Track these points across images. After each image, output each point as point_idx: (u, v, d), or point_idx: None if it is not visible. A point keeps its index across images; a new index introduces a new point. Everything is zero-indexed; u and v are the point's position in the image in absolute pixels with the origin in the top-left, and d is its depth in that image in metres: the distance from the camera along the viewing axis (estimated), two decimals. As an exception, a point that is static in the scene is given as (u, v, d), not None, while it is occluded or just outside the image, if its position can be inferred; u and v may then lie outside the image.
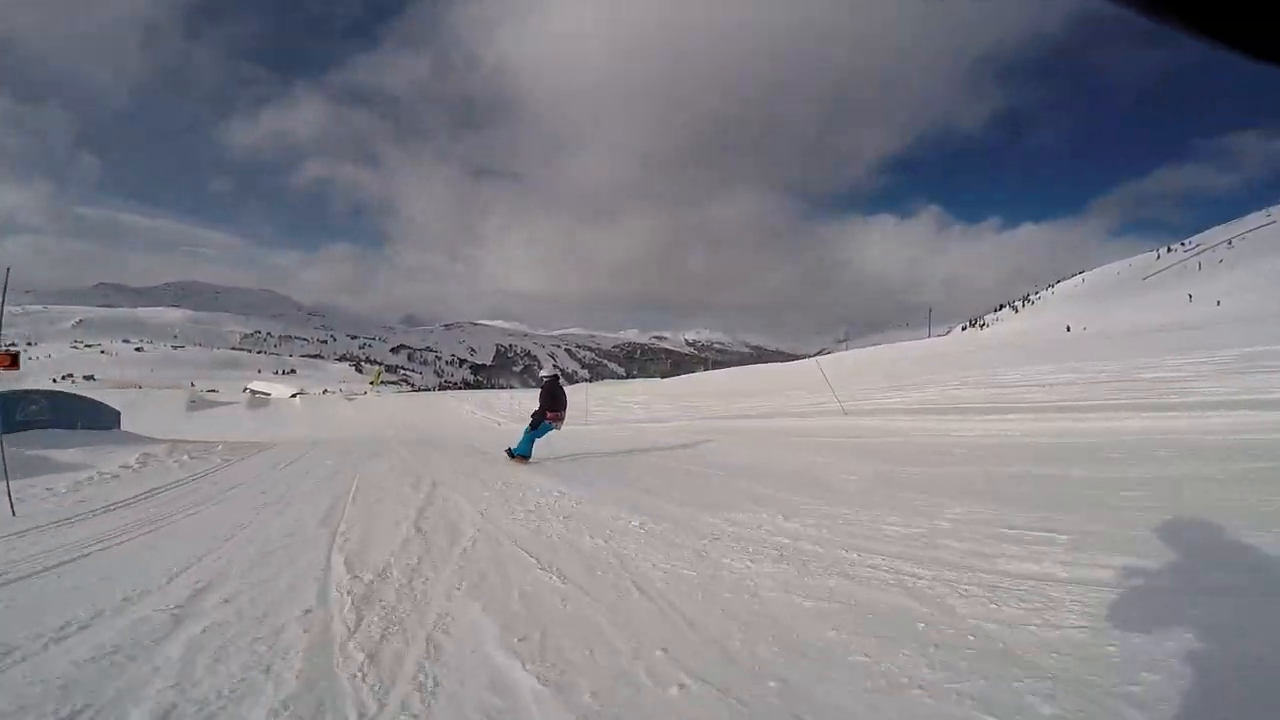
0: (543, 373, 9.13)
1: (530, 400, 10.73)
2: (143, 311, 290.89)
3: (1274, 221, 63.00)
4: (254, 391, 58.90)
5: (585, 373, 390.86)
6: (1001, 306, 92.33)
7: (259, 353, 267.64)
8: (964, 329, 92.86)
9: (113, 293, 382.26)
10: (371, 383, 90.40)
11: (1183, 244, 78.48)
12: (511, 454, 8.66)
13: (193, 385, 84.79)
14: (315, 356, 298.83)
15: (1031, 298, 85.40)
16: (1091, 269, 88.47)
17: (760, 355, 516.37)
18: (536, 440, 8.68)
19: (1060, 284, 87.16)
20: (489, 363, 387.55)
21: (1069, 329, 42.81)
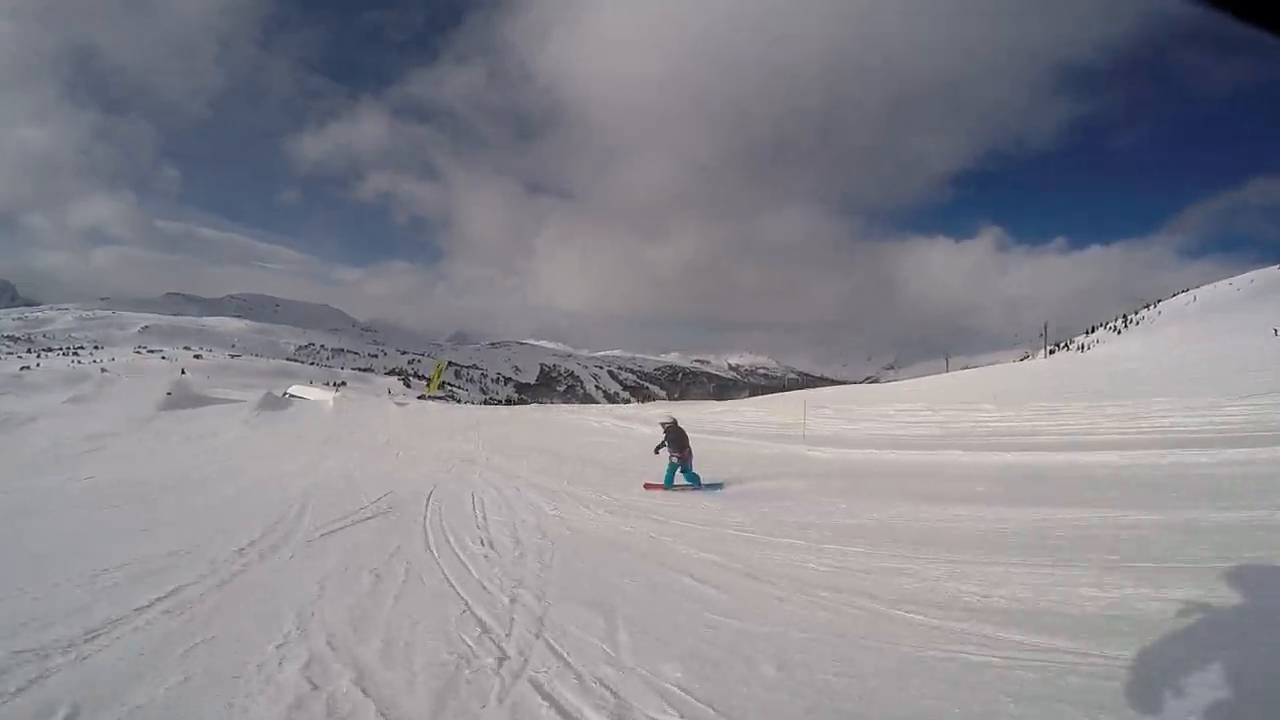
0: (662, 421, 10.62)
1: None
2: (206, 320, 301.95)
3: None
4: (288, 394, 53.73)
5: (628, 395, 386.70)
6: (1095, 328, 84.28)
7: (311, 364, 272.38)
8: (1051, 352, 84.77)
9: (181, 302, 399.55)
10: (429, 384, 64.35)
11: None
12: (701, 486, 10.04)
13: (183, 373, 79.88)
14: (366, 370, 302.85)
15: (1133, 318, 77.15)
16: (1194, 287, 79.94)
17: (806, 381, 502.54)
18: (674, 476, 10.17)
19: (1162, 303, 78.93)
20: (533, 382, 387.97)
21: (1277, 332, 36.67)
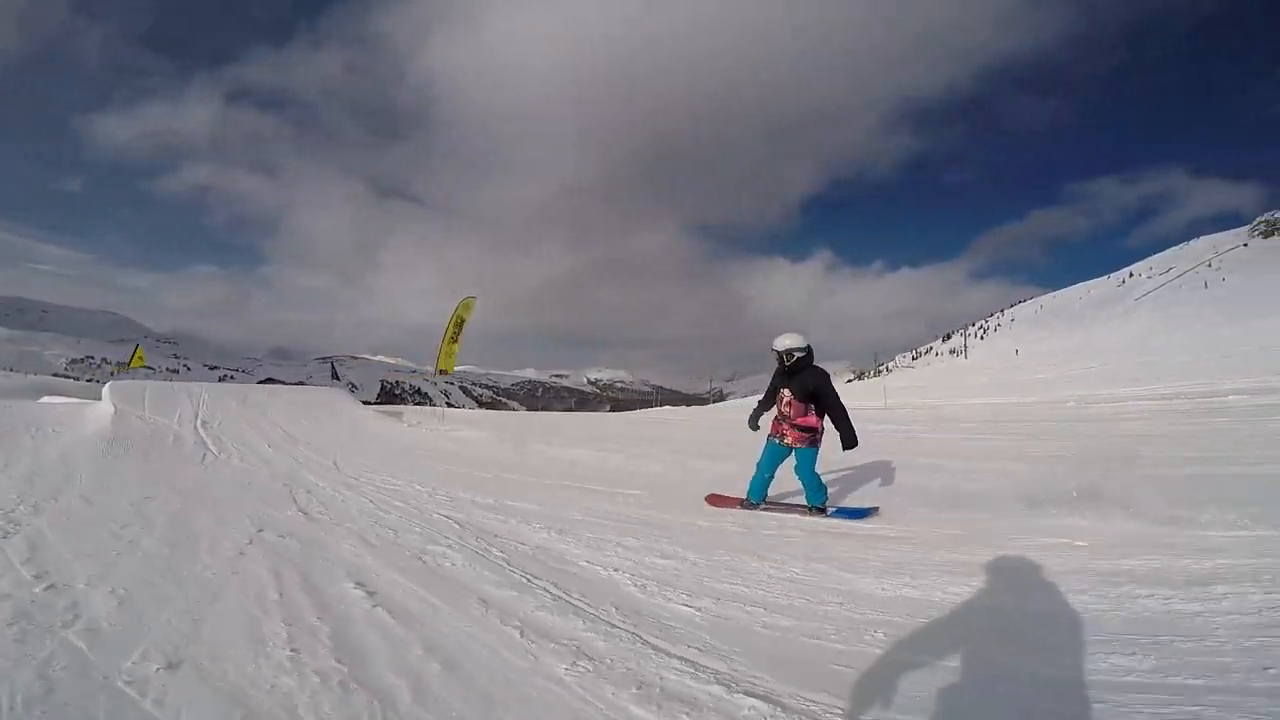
0: (787, 343, 5.08)
1: None
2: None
3: (1243, 244, 65.27)
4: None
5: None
6: (949, 335, 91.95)
7: (89, 380, 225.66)
8: (915, 358, 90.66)
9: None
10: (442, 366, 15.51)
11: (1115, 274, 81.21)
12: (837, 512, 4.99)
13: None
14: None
15: (985, 327, 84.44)
16: (1034, 297, 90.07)
17: (661, 394, 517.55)
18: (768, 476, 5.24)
19: (1010, 310, 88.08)
20: (374, 399, 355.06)
21: (1018, 352, 47.74)
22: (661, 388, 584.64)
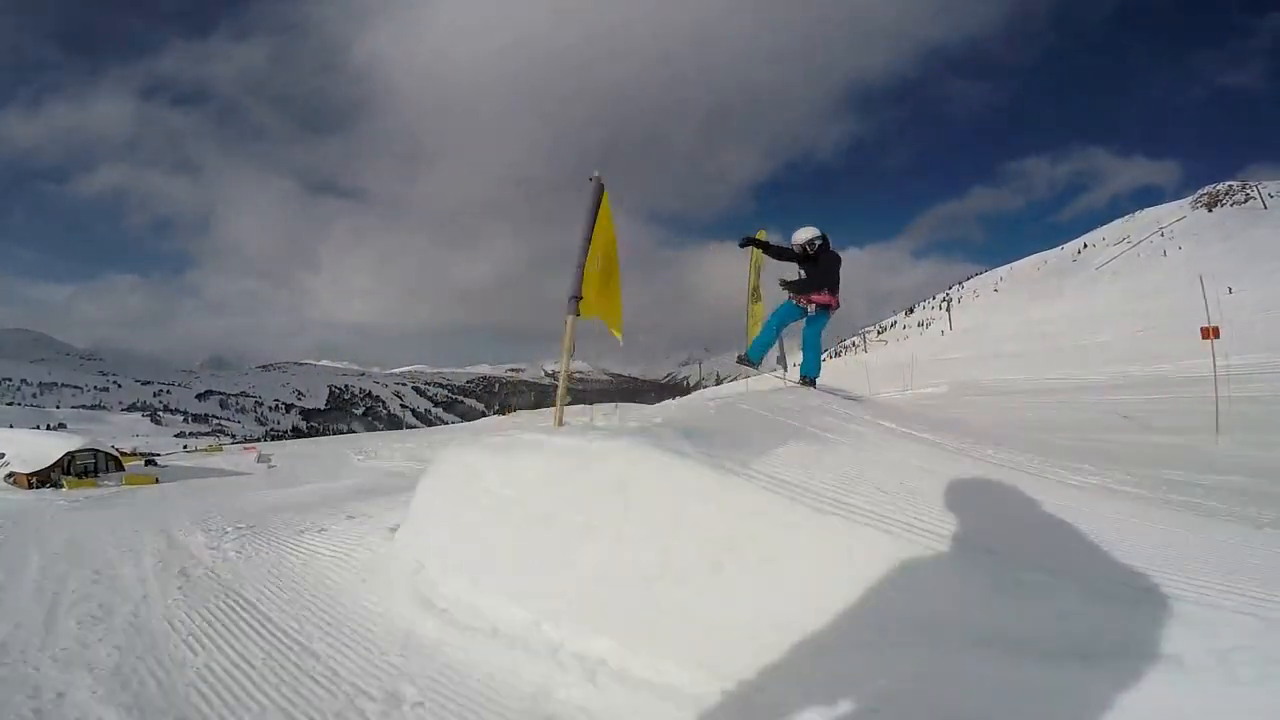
0: (806, 235, 5.64)
1: None
2: None
3: (1183, 217, 68.56)
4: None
5: (440, 411, 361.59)
6: (912, 309, 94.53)
7: (9, 404, 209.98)
8: (880, 334, 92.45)
9: None
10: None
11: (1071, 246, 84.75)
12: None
13: None
14: (94, 408, 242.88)
15: (947, 297, 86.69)
16: (992, 269, 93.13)
17: (619, 381, 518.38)
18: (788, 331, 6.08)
19: (970, 281, 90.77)
20: (323, 406, 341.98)
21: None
22: (620, 375, 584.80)
